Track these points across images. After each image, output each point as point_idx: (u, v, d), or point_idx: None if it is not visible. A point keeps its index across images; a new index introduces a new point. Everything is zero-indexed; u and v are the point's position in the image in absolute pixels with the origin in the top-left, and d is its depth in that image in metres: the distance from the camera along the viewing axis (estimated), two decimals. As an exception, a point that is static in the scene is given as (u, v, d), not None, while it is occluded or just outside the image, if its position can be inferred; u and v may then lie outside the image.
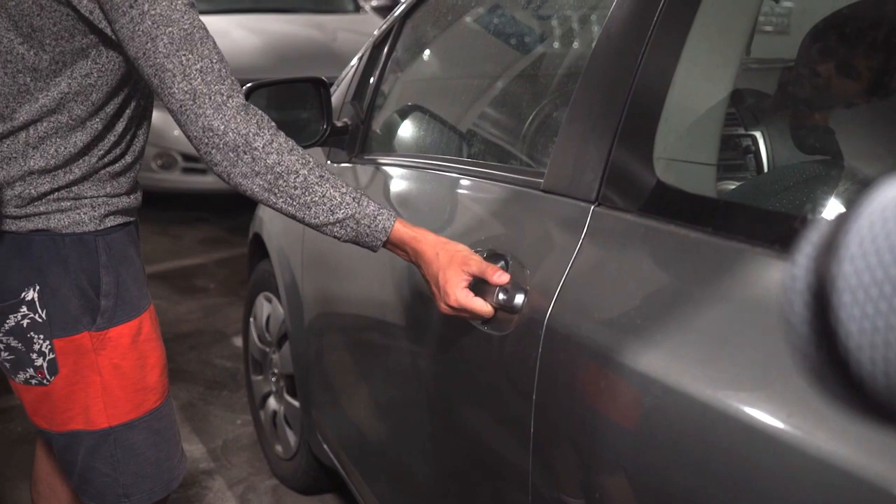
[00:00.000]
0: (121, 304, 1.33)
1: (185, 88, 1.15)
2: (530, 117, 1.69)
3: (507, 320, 1.13)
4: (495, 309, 1.15)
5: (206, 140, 1.16)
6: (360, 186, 1.87)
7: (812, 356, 0.35)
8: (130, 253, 1.37)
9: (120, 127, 1.31)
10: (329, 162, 2.05)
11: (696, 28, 1.04)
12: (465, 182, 1.48)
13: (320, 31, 5.65)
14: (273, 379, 2.48)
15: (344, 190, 1.20)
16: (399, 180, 1.75)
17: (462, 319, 1.21)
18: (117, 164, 1.33)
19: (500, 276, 1.15)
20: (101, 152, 1.29)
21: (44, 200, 1.27)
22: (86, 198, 1.29)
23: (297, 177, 1.18)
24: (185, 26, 1.15)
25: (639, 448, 0.89)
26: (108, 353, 1.33)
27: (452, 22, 2.05)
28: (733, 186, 1.32)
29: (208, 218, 5.28)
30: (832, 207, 1.02)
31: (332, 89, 1.96)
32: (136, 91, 1.32)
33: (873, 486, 0.64)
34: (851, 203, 0.36)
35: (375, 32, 2.12)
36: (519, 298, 1.11)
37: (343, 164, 1.97)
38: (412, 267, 1.26)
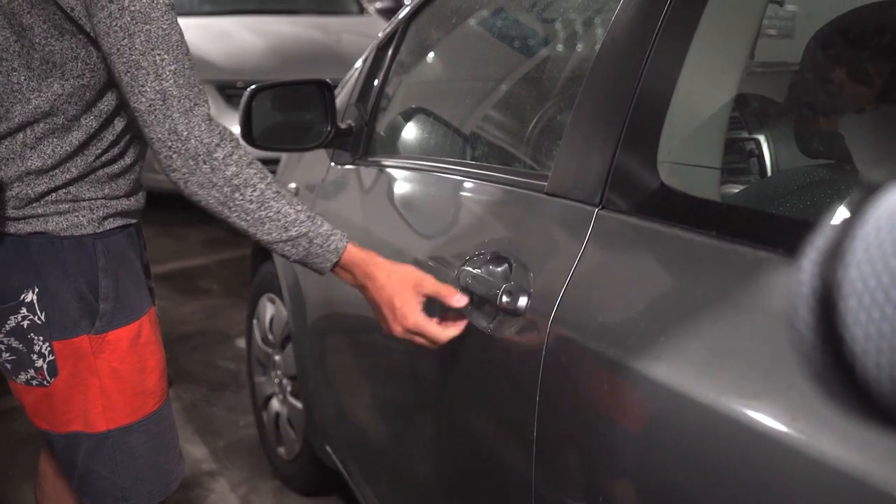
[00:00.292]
0: (119, 308, 1.32)
1: (157, 88, 1.14)
2: (534, 120, 1.69)
3: (510, 323, 1.14)
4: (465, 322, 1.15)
5: (170, 144, 1.16)
6: (364, 188, 1.87)
7: (817, 361, 0.35)
8: (130, 256, 1.36)
9: (118, 126, 1.30)
10: (333, 164, 2.05)
11: (701, 32, 1.05)
12: (468, 184, 1.49)
13: (324, 33, 5.66)
14: (276, 380, 2.49)
15: (299, 208, 1.21)
16: (403, 182, 1.75)
17: (465, 322, 1.21)
18: (115, 165, 1.32)
19: (459, 300, 1.16)
20: (99, 151, 1.28)
21: (42, 202, 1.27)
22: (84, 200, 1.29)
23: (255, 191, 1.19)
24: (164, 26, 1.15)
25: (642, 452, 0.89)
26: (107, 357, 1.32)
27: (457, 24, 2.06)
28: (737, 190, 1.32)
29: (211, 219, 5.28)
30: (837, 212, 1.02)
31: (336, 91, 1.96)
32: None
33: (879, 490, 0.64)
34: (857, 208, 0.36)
35: (380, 35, 2.12)
36: (522, 301, 1.11)
37: (347, 166, 1.97)
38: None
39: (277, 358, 2.44)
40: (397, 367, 1.60)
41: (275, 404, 2.51)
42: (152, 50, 1.14)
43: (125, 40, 1.13)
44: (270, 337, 2.48)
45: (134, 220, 1.40)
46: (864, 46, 1.16)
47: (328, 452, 2.08)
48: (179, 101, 1.15)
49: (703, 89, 1.12)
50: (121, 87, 1.19)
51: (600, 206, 1.06)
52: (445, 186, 1.57)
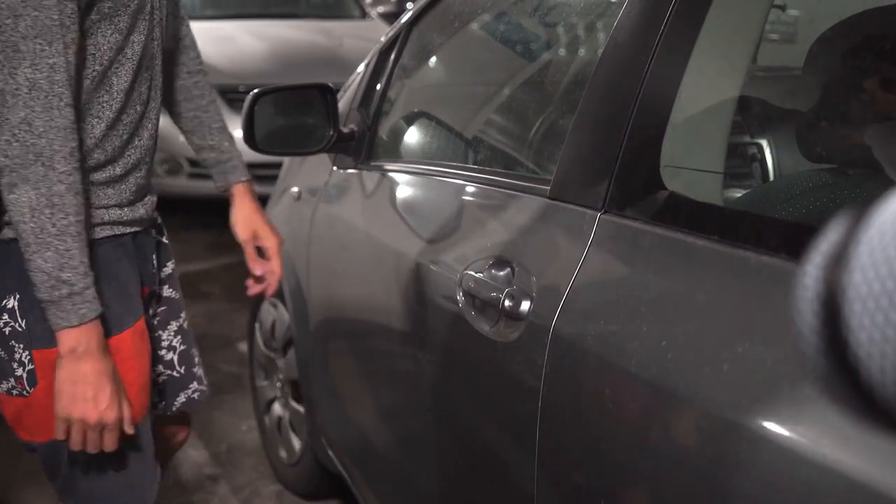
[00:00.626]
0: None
1: (28, 76, 1.11)
2: (537, 124, 1.69)
3: (512, 327, 1.13)
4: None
5: (18, 133, 1.12)
6: (367, 192, 1.87)
7: (821, 365, 0.35)
8: (115, 268, 1.32)
9: (97, 131, 1.25)
10: (335, 168, 2.05)
11: (703, 36, 1.05)
12: (471, 189, 1.49)
13: (327, 38, 5.67)
14: (278, 384, 2.49)
15: (87, 262, 1.17)
16: (405, 186, 1.75)
17: (467, 323, 1.21)
18: (99, 173, 1.28)
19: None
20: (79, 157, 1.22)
21: None
22: None
23: (65, 219, 1.14)
24: (55, 16, 1.12)
25: (645, 456, 0.89)
26: None
27: (459, 29, 2.06)
28: (740, 194, 1.32)
29: (214, 223, 5.28)
30: (840, 216, 1.02)
31: (338, 95, 1.97)
32: (114, 99, 1.27)
33: (881, 494, 0.63)
34: (861, 212, 0.36)
35: (382, 39, 2.12)
36: (525, 305, 1.11)
37: (349, 171, 1.97)
38: (418, 273, 1.26)
39: (279, 362, 2.45)
40: (399, 372, 1.60)
41: (277, 408, 2.51)
42: (35, 38, 1.11)
43: (9, 20, 1.10)
44: (273, 341, 2.48)
45: (128, 230, 1.35)
46: (868, 51, 1.16)
47: (330, 456, 2.08)
48: (47, 97, 1.12)
49: (705, 93, 1.12)
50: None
51: (603, 211, 1.06)
52: (448, 190, 1.57)
